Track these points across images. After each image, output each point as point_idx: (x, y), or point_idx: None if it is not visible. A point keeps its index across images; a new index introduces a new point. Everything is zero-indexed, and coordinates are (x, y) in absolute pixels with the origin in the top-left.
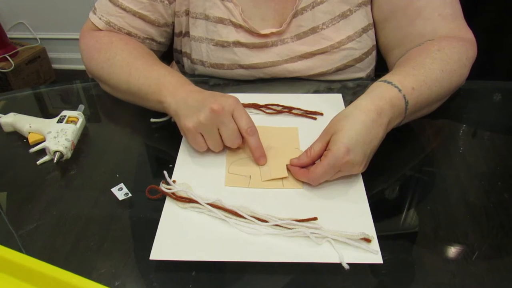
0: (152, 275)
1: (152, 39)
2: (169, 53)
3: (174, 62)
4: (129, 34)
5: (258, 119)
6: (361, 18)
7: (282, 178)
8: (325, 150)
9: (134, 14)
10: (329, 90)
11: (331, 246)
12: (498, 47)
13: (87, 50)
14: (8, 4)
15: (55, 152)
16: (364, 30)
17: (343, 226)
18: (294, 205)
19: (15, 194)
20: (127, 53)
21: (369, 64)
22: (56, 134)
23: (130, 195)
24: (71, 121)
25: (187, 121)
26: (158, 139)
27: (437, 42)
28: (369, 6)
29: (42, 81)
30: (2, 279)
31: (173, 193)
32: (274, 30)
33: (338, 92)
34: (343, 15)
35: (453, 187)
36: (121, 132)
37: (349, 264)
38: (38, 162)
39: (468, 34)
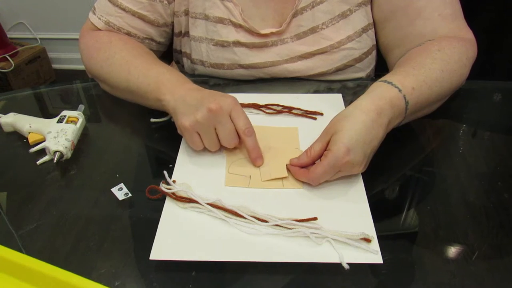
0: (152, 275)
1: (152, 39)
2: (169, 53)
3: (173, 62)
4: (128, 34)
5: (258, 119)
6: (361, 18)
7: (282, 178)
8: (325, 150)
9: (133, 14)
10: (329, 90)
11: (331, 246)
12: (498, 47)
13: (87, 49)
14: (8, 4)
15: (55, 152)
16: (364, 30)
17: (343, 226)
18: (294, 205)
19: (15, 194)
20: (126, 52)
21: (369, 64)
22: (56, 134)
23: (130, 195)
24: (71, 121)
25: (184, 120)
26: (158, 139)
27: (437, 42)
28: (369, 6)
29: (42, 81)
30: (2, 279)
31: (173, 193)
32: (274, 30)
33: (338, 92)
34: (343, 15)
35: (453, 187)
36: (121, 132)
37: (349, 264)
38: (38, 162)
39: (468, 34)
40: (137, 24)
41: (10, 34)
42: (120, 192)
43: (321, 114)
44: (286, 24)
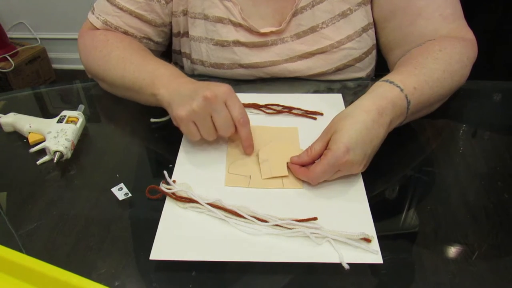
0: (152, 275)
1: (149, 39)
2: (169, 53)
3: (172, 63)
4: (125, 33)
5: (258, 119)
6: (361, 18)
7: (282, 177)
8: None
9: (131, 13)
10: (329, 90)
11: (331, 246)
12: (498, 47)
13: (84, 49)
14: (8, 4)
15: (55, 152)
16: (364, 29)
17: (343, 226)
18: (294, 205)
19: (15, 194)
20: (122, 49)
21: (369, 64)
22: (56, 134)
23: (130, 195)
24: (71, 121)
25: (179, 110)
26: (158, 139)
27: (438, 42)
28: (369, 6)
29: (42, 81)
30: (2, 279)
31: (173, 193)
32: (273, 29)
33: (338, 92)
34: (343, 14)
35: (453, 187)
36: (121, 132)
37: (349, 264)
38: (38, 162)
39: (468, 34)
40: (135, 24)
41: (10, 34)
42: (120, 192)
43: (321, 114)
44: (286, 23)
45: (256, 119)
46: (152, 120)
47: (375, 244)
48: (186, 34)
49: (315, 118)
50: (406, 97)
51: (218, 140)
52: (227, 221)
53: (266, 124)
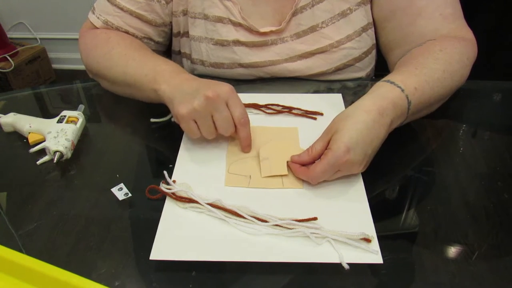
0: (152, 275)
1: (150, 39)
2: (169, 53)
3: None
4: (126, 33)
5: (258, 119)
6: (360, 17)
7: (282, 176)
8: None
9: (131, 13)
10: (329, 90)
11: (331, 246)
12: (498, 47)
13: (85, 47)
14: (8, 4)
15: (55, 152)
16: (364, 29)
17: (343, 226)
18: (294, 205)
19: (15, 194)
20: (123, 46)
21: (369, 64)
22: (56, 134)
23: (130, 195)
24: (71, 121)
25: (180, 108)
26: (158, 139)
27: (439, 42)
28: (369, 5)
29: (42, 81)
30: (2, 279)
31: (173, 193)
32: (273, 28)
33: (338, 92)
34: (343, 14)
35: (453, 187)
36: (121, 132)
37: (349, 264)
38: (38, 162)
39: (468, 34)
40: (135, 24)
41: (10, 34)
42: (120, 192)
43: (321, 114)
44: (286, 22)
45: (256, 119)
46: (152, 120)
47: (375, 244)
48: (186, 34)
49: (315, 118)
50: (407, 98)
51: (218, 139)
52: (227, 221)
53: (266, 124)
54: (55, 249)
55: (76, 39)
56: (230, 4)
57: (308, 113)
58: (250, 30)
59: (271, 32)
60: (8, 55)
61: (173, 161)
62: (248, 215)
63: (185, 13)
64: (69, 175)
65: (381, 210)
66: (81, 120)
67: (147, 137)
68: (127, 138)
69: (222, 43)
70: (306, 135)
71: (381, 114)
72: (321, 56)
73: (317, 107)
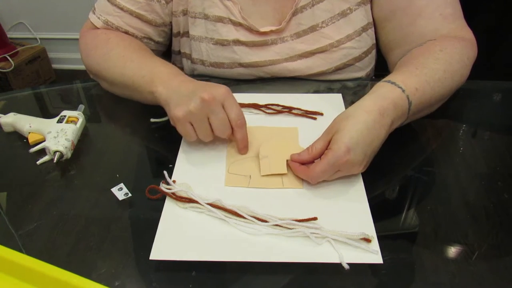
0: (152, 275)
1: (150, 39)
2: (170, 53)
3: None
4: (126, 33)
5: (258, 119)
6: (360, 17)
7: (281, 175)
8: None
9: (131, 13)
10: (329, 90)
11: (331, 246)
12: (498, 47)
13: (86, 48)
14: (8, 4)
15: (55, 152)
16: (364, 29)
17: (343, 226)
18: (294, 205)
19: (15, 194)
20: (122, 47)
21: (369, 64)
22: (56, 134)
23: (130, 195)
24: (71, 121)
25: (177, 110)
26: (158, 139)
27: (439, 42)
28: (369, 5)
29: (42, 81)
30: (2, 279)
31: (173, 193)
32: (273, 28)
33: (338, 92)
34: (343, 14)
35: (453, 187)
36: (121, 132)
37: (349, 264)
38: (38, 162)
39: (468, 34)
40: (135, 24)
41: (10, 34)
42: (120, 192)
43: (321, 114)
44: (286, 22)
45: (256, 119)
46: (152, 120)
47: (375, 244)
48: (186, 34)
49: (315, 118)
50: (408, 98)
51: (218, 140)
52: (227, 221)
53: (266, 124)
54: (55, 249)
55: (76, 39)
56: (230, 3)
57: (308, 113)
58: (250, 29)
59: (271, 31)
60: (8, 55)
61: (173, 161)
62: (248, 215)
63: (185, 13)
64: (69, 175)
65: (381, 210)
66: (81, 120)
67: (147, 137)
68: (127, 138)
69: (222, 43)
70: (306, 135)
71: (381, 115)
72: (321, 55)
73: (317, 107)
